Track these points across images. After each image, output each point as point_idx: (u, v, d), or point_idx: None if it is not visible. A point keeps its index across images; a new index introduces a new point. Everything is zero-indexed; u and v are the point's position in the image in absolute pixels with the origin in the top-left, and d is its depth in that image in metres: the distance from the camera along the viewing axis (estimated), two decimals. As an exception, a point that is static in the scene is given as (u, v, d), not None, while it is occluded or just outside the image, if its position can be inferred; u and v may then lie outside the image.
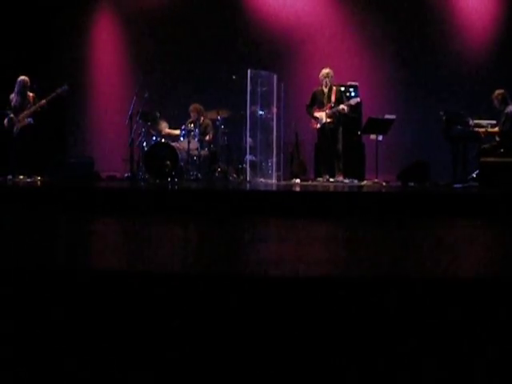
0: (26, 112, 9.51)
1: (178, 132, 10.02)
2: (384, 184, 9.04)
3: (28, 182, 8.99)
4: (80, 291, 2.54)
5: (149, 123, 9.82)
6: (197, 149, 9.71)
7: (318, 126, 9.43)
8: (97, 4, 12.19)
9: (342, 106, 9.28)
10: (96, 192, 7.28)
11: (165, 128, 10.08)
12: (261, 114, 9.73)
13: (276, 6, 11.42)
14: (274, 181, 9.66)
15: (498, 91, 8.73)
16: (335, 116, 9.37)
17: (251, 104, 9.58)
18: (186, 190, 7.58)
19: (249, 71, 9.50)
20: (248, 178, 9.58)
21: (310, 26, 11.22)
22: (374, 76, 10.88)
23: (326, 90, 9.45)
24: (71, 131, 12.06)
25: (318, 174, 9.71)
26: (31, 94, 9.65)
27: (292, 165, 10.54)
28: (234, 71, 10.01)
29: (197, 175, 9.63)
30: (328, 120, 9.38)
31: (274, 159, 9.78)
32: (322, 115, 9.37)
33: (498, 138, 8.65)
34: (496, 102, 8.73)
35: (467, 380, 2.25)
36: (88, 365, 2.36)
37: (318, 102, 9.47)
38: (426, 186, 8.74)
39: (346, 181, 9.29)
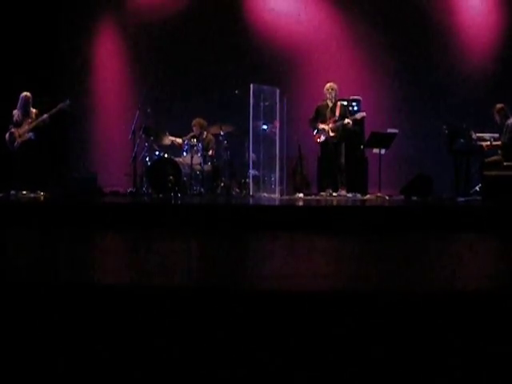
0: (26, 127, 9.56)
1: (180, 141, 10.03)
2: (387, 198, 9.02)
3: (31, 198, 8.99)
4: (84, 306, 2.54)
5: (152, 138, 9.84)
6: (200, 164, 9.71)
7: (322, 138, 9.41)
8: (99, 20, 12.25)
9: (347, 120, 9.27)
10: (99, 207, 7.28)
11: (168, 138, 10.05)
12: (263, 129, 9.74)
13: (279, 21, 11.47)
14: (277, 195, 9.66)
15: (497, 105, 8.73)
16: (339, 130, 9.37)
17: (254, 119, 9.60)
18: (188, 205, 7.58)
19: (251, 86, 9.53)
20: (251, 193, 9.58)
21: (313, 40, 11.27)
22: (377, 90, 10.90)
23: (330, 105, 9.47)
24: (74, 146, 12.08)
25: (321, 189, 9.69)
26: (34, 110, 9.68)
27: (295, 179, 10.53)
28: (236, 86, 10.04)
29: (200, 190, 9.63)
30: (331, 134, 9.38)
31: (277, 174, 9.78)
32: (326, 128, 9.38)
33: (500, 152, 8.64)
34: (497, 116, 8.74)
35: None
36: (91, 378, 2.35)
37: (321, 116, 9.47)
38: (429, 200, 8.73)
39: (349, 195, 9.28)
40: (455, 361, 2.29)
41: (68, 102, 9.61)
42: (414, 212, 6.67)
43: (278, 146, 9.76)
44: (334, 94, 9.45)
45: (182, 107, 10.99)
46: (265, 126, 9.75)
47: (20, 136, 9.53)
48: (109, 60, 12.33)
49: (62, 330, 2.47)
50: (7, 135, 9.58)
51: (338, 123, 9.33)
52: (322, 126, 9.42)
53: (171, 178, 9.31)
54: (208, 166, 9.91)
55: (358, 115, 9.44)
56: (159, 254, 4.34)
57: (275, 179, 9.85)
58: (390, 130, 9.56)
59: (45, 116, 9.55)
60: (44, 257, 4.00)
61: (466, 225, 5.97)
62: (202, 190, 9.65)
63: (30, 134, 9.57)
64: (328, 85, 9.50)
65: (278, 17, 11.53)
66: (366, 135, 9.73)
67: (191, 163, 9.57)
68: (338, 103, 9.51)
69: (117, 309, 2.53)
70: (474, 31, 10.81)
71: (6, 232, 5.84)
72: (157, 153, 9.78)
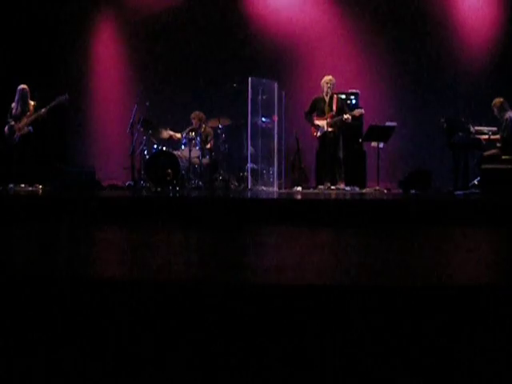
0: (25, 120, 9.56)
1: (179, 135, 10.03)
2: (385, 191, 9.03)
3: (29, 191, 8.99)
4: (84, 300, 2.54)
5: (150, 131, 9.83)
6: (198, 157, 9.71)
7: (319, 133, 9.42)
8: (98, 15, 12.24)
9: (346, 116, 9.26)
10: (97, 200, 7.27)
11: (166, 132, 10.05)
12: (262, 122, 9.74)
13: (277, 15, 11.45)
14: (275, 189, 9.66)
15: (496, 99, 8.75)
16: (337, 125, 9.36)
17: (252, 112, 9.59)
18: (187, 199, 7.57)
19: (250, 79, 9.52)
20: (249, 186, 9.58)
21: (311, 33, 11.25)
22: (375, 84, 10.90)
23: (327, 98, 9.45)
24: (73, 140, 12.09)
25: (320, 182, 9.69)
26: (32, 103, 9.69)
27: (293, 173, 10.54)
28: (234, 79, 10.04)
29: (198, 183, 9.62)
30: (329, 129, 9.37)
31: (276, 167, 9.78)
32: (323, 123, 9.37)
33: (499, 145, 8.65)
34: (495, 110, 8.75)
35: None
36: (89, 374, 2.36)
37: (318, 109, 9.46)
38: (428, 194, 8.73)
39: (348, 188, 9.28)
40: (454, 354, 2.30)
41: (66, 96, 9.60)
42: (412, 205, 6.67)
43: (277, 140, 9.75)
44: (331, 87, 9.42)
45: (180, 100, 10.99)
46: (263, 119, 9.75)
47: (19, 129, 9.54)
48: (107, 54, 12.32)
49: (61, 324, 2.47)
50: (6, 128, 9.60)
51: (336, 118, 9.31)
52: (318, 122, 9.40)
53: (169, 171, 9.31)
54: (206, 160, 9.91)
55: (357, 112, 9.39)
56: (157, 247, 4.34)
57: (273, 172, 9.85)
58: (388, 124, 9.57)
59: (43, 110, 9.56)
60: (42, 250, 4.00)
61: (464, 218, 5.97)
62: (200, 183, 9.65)
63: (29, 127, 9.58)
64: (326, 77, 9.48)
65: (276, 10, 11.52)
66: (365, 128, 9.73)
67: (189, 156, 9.57)
68: (335, 97, 9.49)
69: (115, 303, 2.53)
70: (473, 24, 10.81)
71: (4, 225, 5.84)
72: (155, 146, 9.77)
